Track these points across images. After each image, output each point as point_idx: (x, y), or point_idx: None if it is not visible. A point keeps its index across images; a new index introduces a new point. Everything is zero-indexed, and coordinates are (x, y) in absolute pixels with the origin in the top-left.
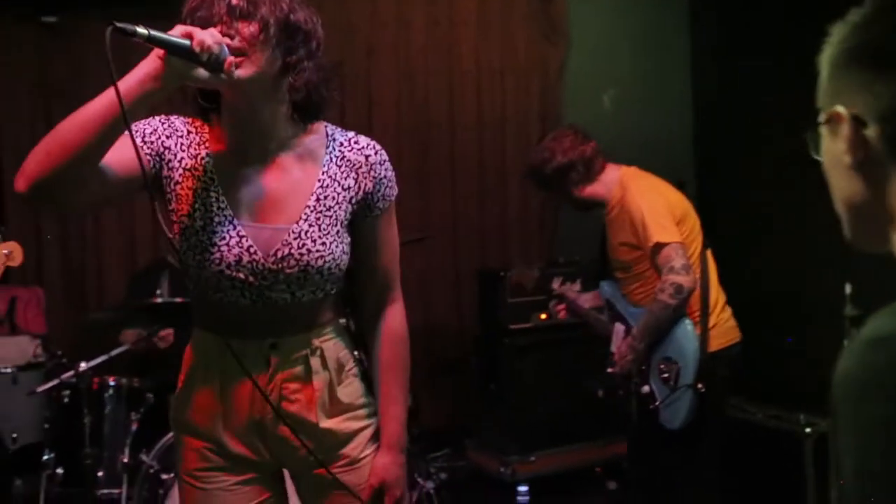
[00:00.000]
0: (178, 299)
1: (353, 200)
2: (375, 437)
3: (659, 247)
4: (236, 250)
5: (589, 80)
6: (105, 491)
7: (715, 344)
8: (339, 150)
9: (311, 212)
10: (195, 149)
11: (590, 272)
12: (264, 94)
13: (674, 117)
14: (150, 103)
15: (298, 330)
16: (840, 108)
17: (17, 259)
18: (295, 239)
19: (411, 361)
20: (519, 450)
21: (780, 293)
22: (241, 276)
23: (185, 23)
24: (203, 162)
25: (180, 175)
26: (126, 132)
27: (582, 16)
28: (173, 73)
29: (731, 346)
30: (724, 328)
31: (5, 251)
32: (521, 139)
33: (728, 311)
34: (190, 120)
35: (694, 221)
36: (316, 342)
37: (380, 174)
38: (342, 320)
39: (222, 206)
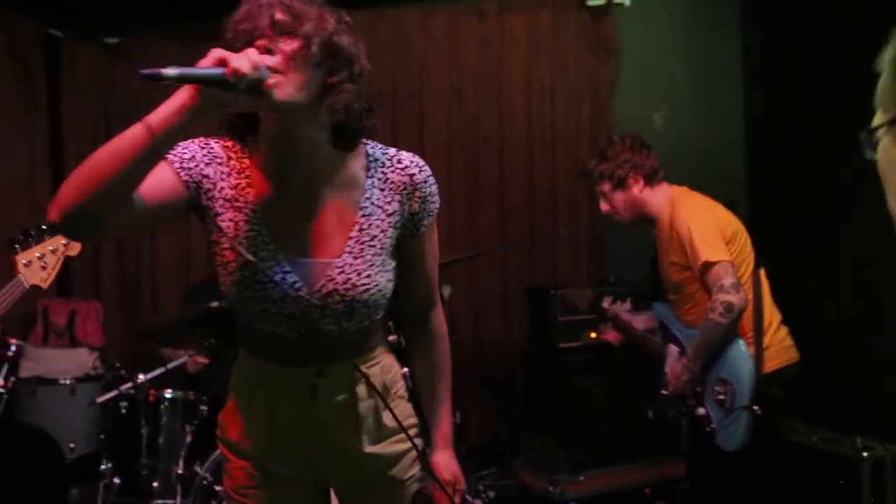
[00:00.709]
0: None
1: (398, 224)
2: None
3: (708, 266)
4: (281, 288)
5: (640, 97)
6: (160, 501)
7: (770, 364)
8: (382, 173)
9: (355, 244)
10: (235, 178)
11: (639, 291)
12: (303, 117)
13: (725, 135)
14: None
15: (345, 357)
16: None
17: (75, 249)
18: (339, 273)
19: (460, 377)
20: (567, 469)
21: (835, 313)
22: (287, 312)
23: (228, 35)
24: (243, 192)
25: (220, 206)
26: (162, 160)
27: (633, 33)
28: (209, 103)
29: (788, 366)
30: (780, 348)
31: (63, 241)
32: (571, 157)
33: (784, 330)
34: (229, 144)
35: (745, 241)
36: (363, 368)
37: (425, 193)
38: (391, 337)
39: (265, 240)
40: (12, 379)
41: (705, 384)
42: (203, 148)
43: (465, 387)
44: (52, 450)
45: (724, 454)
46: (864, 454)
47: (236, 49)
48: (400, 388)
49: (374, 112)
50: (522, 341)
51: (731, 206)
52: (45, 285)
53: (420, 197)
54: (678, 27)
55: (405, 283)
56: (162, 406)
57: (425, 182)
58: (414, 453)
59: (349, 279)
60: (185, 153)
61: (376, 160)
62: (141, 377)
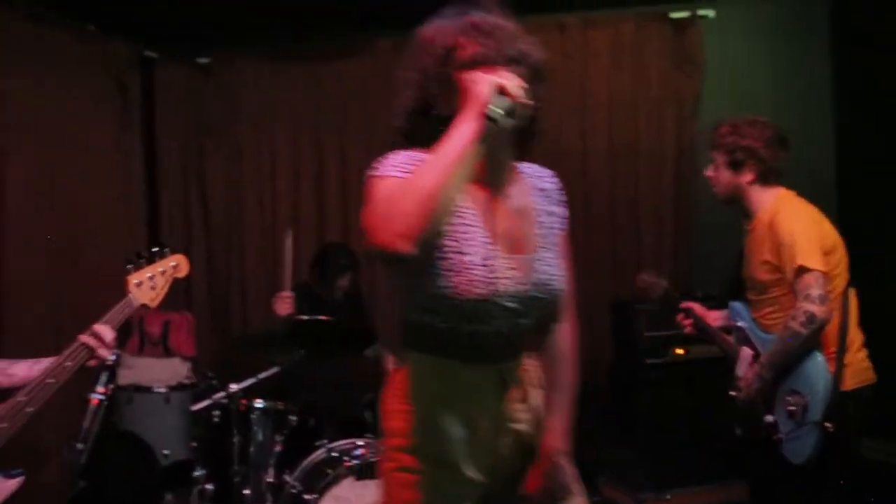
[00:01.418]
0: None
1: (557, 225)
2: None
3: (802, 270)
4: (506, 282)
5: (725, 111)
6: None
7: (848, 384)
8: (532, 181)
9: (541, 239)
10: None
11: (723, 292)
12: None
13: (814, 150)
14: None
15: (520, 354)
16: None
17: (183, 270)
18: (542, 266)
19: None
20: (654, 487)
21: None
22: (510, 304)
23: (466, 68)
24: (463, 196)
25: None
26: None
27: (717, 45)
28: (492, 128)
29: (864, 387)
30: (859, 368)
31: (172, 263)
32: (655, 170)
33: (864, 352)
34: (422, 153)
35: (841, 257)
36: (527, 364)
37: (562, 198)
38: None
39: (486, 239)
40: (111, 386)
41: (777, 392)
42: (413, 157)
43: None
44: (148, 456)
45: (790, 465)
46: None
47: (446, 68)
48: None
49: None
50: (607, 356)
51: None
52: (153, 305)
53: (561, 201)
54: (765, 39)
55: None
56: (252, 415)
57: (559, 189)
58: None
59: (548, 271)
60: (402, 166)
61: (524, 170)
62: (233, 387)
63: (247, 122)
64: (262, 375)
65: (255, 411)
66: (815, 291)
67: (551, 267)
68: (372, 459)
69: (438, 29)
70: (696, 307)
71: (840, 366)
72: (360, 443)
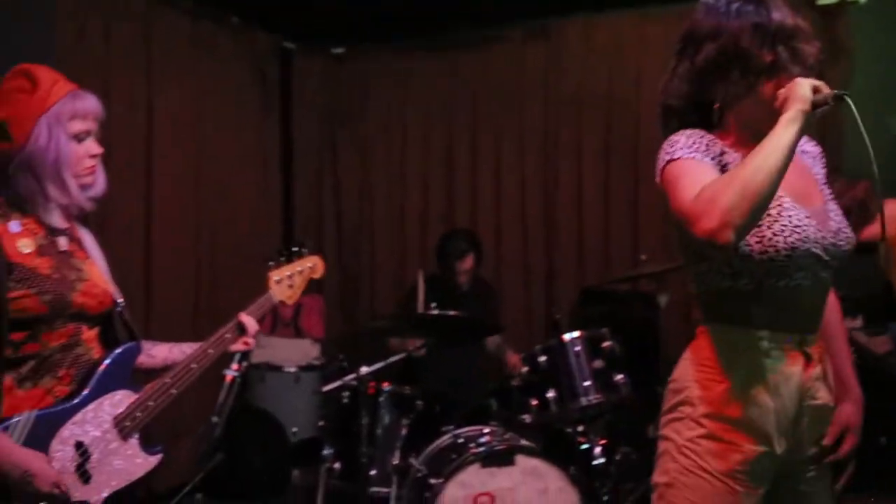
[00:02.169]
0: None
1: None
2: None
3: None
4: (810, 229)
5: (874, 102)
6: (375, 489)
7: None
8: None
9: (825, 195)
10: (729, 154)
11: (874, 310)
12: None
13: None
14: None
15: (819, 321)
16: None
17: (319, 272)
18: (835, 216)
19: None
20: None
21: None
22: (816, 251)
23: (783, 75)
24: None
25: None
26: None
27: (868, 31)
28: (810, 123)
29: None
30: None
31: (310, 264)
32: None
33: None
34: (702, 132)
35: None
36: (819, 341)
37: (823, 161)
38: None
39: (781, 194)
40: (245, 363)
41: None
42: (701, 138)
43: None
44: (279, 432)
45: None
46: None
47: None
48: None
49: None
50: None
51: None
52: (290, 303)
53: (824, 164)
54: None
55: None
56: (380, 398)
57: (822, 154)
58: None
59: (840, 220)
60: (697, 146)
61: None
62: (364, 369)
63: (379, 111)
64: (391, 360)
65: (383, 394)
66: None
67: (840, 217)
68: (498, 447)
69: (738, 25)
70: (859, 336)
71: None
72: (486, 430)
